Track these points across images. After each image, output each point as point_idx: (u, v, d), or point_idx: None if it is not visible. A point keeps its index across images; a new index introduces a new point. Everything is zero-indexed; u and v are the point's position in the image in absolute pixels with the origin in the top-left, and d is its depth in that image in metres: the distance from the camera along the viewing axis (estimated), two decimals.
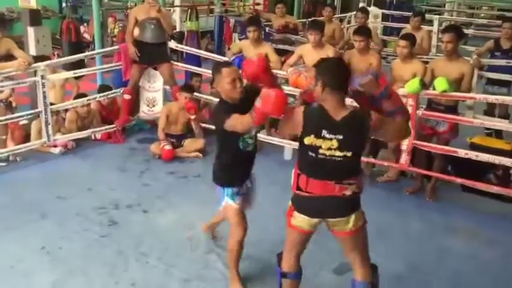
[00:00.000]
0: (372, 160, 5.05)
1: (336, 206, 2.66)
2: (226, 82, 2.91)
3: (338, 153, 2.52)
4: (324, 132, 2.50)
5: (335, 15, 8.63)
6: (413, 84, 4.35)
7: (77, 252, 3.70)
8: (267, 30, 7.53)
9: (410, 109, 4.45)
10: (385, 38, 9.58)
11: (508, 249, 3.97)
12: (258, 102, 2.56)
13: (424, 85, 4.41)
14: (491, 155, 4.42)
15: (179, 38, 7.53)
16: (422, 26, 6.90)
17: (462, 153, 4.46)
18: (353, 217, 2.68)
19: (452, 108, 4.61)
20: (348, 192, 2.63)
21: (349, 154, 2.53)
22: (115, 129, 5.90)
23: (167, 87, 6.01)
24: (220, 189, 3.21)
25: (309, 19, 7.17)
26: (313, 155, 2.55)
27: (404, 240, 3.99)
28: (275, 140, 5.45)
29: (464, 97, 4.61)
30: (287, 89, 5.32)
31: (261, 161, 5.43)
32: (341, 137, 2.50)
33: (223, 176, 3.21)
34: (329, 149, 2.51)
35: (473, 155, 4.45)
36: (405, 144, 4.60)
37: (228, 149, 3.12)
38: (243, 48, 5.57)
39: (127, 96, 5.92)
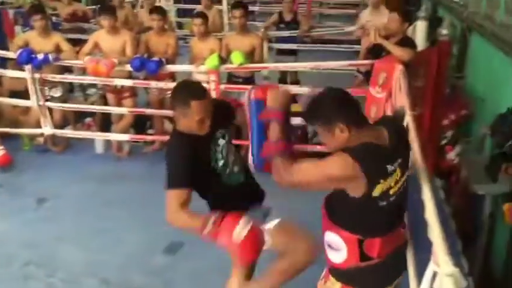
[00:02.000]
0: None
1: (404, 257, 2.02)
2: (195, 120, 2.18)
3: (402, 179, 1.86)
4: (390, 169, 1.80)
5: (126, 0, 8.42)
6: (212, 61, 4.56)
7: None
8: (54, 20, 7.00)
9: (213, 84, 4.65)
10: (180, 20, 9.70)
11: None
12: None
13: (222, 60, 4.63)
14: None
15: None
16: (212, 5, 7.18)
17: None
18: None
19: (250, 79, 4.93)
20: (407, 234, 1.99)
21: (408, 173, 1.91)
22: None
23: None
24: None
25: (98, 5, 6.86)
26: (385, 203, 1.81)
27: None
28: (83, 134, 5.23)
29: (258, 68, 4.96)
30: (88, 78, 5.10)
31: (71, 158, 5.23)
32: (400, 159, 1.84)
33: None
34: (396, 182, 1.83)
35: None
36: None
37: (205, 189, 2.32)
38: (29, 40, 5.05)
39: None
